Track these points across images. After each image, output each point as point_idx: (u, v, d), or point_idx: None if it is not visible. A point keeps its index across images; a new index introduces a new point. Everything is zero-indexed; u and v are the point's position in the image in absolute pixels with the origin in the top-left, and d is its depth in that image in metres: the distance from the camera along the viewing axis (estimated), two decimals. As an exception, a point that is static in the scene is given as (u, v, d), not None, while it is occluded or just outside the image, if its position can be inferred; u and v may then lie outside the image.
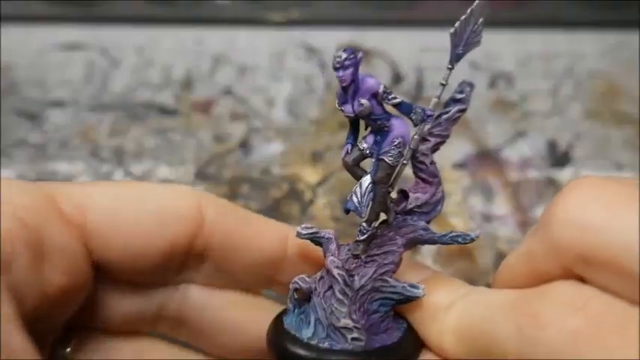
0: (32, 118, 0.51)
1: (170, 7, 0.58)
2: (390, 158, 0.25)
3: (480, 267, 0.41)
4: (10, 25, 0.58)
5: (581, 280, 0.21)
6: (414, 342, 0.26)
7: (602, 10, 0.57)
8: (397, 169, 0.26)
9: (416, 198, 0.26)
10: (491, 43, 0.58)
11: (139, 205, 0.26)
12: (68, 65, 0.56)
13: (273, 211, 0.44)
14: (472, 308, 0.23)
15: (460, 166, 0.47)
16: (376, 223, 0.26)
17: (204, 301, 0.28)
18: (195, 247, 0.27)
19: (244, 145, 0.49)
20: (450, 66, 0.25)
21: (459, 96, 0.27)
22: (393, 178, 0.26)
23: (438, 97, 0.26)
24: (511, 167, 0.47)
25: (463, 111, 0.27)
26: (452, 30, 0.25)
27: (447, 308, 0.24)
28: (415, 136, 0.26)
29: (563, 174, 0.47)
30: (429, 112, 0.25)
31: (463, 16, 0.25)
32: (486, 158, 0.48)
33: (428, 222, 0.27)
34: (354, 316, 0.25)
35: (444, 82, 0.25)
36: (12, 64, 0.56)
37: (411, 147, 0.26)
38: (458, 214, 0.44)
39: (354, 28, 0.59)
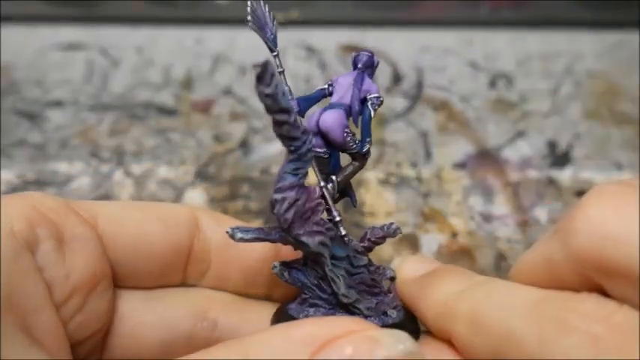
0: (32, 118, 0.51)
1: (170, 7, 0.58)
2: None
3: (480, 267, 0.41)
4: (10, 25, 0.58)
5: (600, 288, 0.21)
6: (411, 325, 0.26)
7: (602, 10, 0.58)
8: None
9: None
10: (491, 43, 0.58)
11: (143, 213, 0.28)
12: (68, 65, 0.56)
13: (273, 211, 0.44)
14: (490, 299, 0.23)
15: (460, 166, 0.47)
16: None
17: (235, 325, 0.29)
18: (195, 251, 0.29)
19: (244, 145, 0.49)
20: (274, 53, 0.27)
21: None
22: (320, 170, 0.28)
23: (286, 84, 0.27)
24: (511, 167, 0.47)
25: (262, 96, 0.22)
26: (250, 25, 0.27)
27: (460, 294, 0.24)
28: None
29: (563, 174, 0.47)
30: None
31: (248, 8, 0.27)
32: (486, 158, 0.48)
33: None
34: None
35: (280, 69, 0.27)
36: (12, 64, 0.56)
37: None
38: (458, 214, 0.44)
39: (354, 28, 0.59)
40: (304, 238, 0.25)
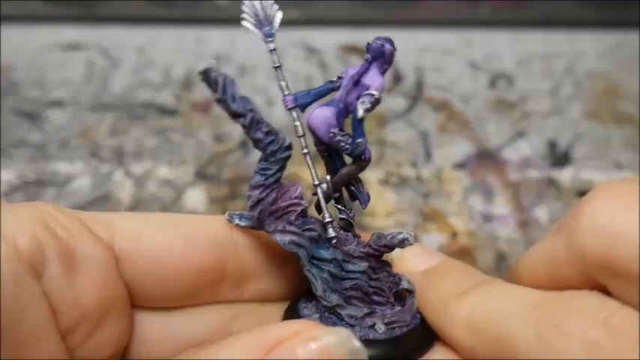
0: (32, 118, 0.51)
1: (170, 7, 0.58)
2: None
3: (481, 267, 0.41)
4: (10, 25, 0.58)
5: (603, 287, 0.21)
6: (424, 336, 0.26)
7: (602, 10, 0.57)
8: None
9: None
10: (491, 43, 0.58)
11: (166, 231, 0.26)
12: (68, 65, 0.56)
13: (273, 211, 0.44)
14: (488, 302, 0.23)
15: (460, 166, 0.47)
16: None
17: None
18: (231, 270, 0.27)
19: (244, 145, 0.49)
20: (270, 48, 0.26)
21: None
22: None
23: (282, 79, 0.26)
24: (511, 167, 0.47)
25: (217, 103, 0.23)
26: (244, 24, 0.26)
27: (460, 296, 0.24)
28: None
29: (563, 174, 0.47)
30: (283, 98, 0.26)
31: (243, 7, 0.26)
32: (486, 158, 0.48)
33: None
34: None
35: (277, 64, 0.26)
36: (12, 64, 0.56)
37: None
38: (458, 214, 0.44)
39: (354, 28, 0.59)
40: (274, 236, 0.25)
